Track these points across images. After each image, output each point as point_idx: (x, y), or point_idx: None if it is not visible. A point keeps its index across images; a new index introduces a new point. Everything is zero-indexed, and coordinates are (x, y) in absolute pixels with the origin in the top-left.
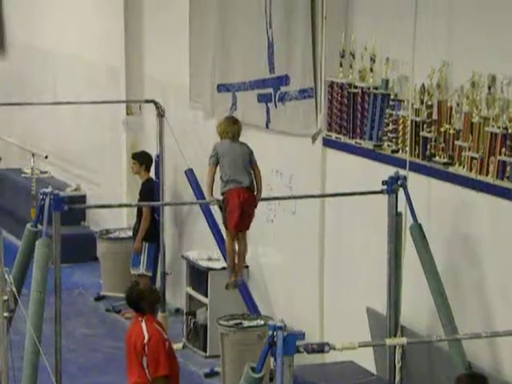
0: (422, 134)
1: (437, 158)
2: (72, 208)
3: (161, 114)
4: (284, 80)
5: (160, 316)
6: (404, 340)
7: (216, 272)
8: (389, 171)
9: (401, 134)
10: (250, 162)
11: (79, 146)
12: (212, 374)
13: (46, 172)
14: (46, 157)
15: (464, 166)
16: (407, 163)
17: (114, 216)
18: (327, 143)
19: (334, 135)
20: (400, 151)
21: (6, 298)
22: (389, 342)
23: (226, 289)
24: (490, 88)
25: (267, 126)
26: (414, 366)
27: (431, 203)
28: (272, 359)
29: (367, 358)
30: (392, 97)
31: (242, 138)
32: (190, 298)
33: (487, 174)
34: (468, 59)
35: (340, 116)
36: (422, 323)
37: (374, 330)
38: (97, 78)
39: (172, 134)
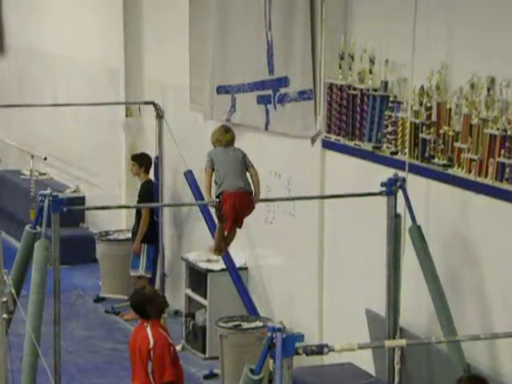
0: (421, 135)
1: (436, 160)
2: (71, 210)
3: (160, 115)
4: (283, 82)
5: None
6: (403, 342)
7: (215, 274)
8: (388, 173)
9: (400, 135)
10: (244, 166)
11: (78, 147)
12: (211, 375)
13: (45, 174)
14: (45, 158)
15: (463, 168)
16: (406, 165)
17: (113, 218)
18: (326, 145)
19: (333, 137)
20: (399, 153)
21: (5, 299)
22: (388, 343)
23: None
24: (489, 90)
25: (266, 128)
26: (413, 368)
27: (430, 205)
28: (271, 361)
29: (366, 360)
30: (391, 98)
31: (241, 140)
32: (189, 299)
33: (486, 176)
34: (467, 61)
35: (339, 118)
36: (421, 325)
37: (373, 331)
38: (96, 80)
39: (171, 135)
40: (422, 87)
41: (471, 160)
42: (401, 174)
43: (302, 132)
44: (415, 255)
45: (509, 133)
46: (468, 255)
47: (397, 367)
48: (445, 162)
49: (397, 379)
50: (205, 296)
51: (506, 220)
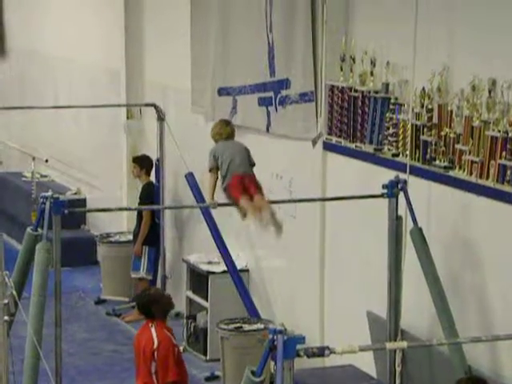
0: (422, 137)
1: (437, 162)
2: (72, 212)
3: (161, 117)
4: (284, 83)
5: None
6: (404, 344)
7: (216, 276)
8: (389, 175)
9: (401, 137)
10: (248, 157)
11: (79, 149)
12: (212, 377)
13: (46, 176)
14: (47, 160)
15: (464, 170)
16: (407, 167)
17: (114, 220)
18: (327, 147)
19: (334, 139)
20: (400, 155)
21: (6, 301)
22: (389, 345)
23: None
24: (490, 92)
25: (268, 130)
26: (414, 370)
27: (431, 207)
28: (272, 363)
29: (367, 362)
30: (392, 100)
31: (242, 141)
32: (190, 301)
33: (487, 178)
34: (468, 63)
35: (340, 120)
36: (422, 327)
37: (374, 333)
38: (97, 82)
39: (172, 137)
40: (423, 89)
41: (472, 162)
42: (402, 176)
43: (303, 134)
44: (416, 257)
45: (510, 135)
46: (469, 257)
47: (398, 369)
48: (446, 164)
49: (398, 381)
50: (206, 298)
51: (507, 222)
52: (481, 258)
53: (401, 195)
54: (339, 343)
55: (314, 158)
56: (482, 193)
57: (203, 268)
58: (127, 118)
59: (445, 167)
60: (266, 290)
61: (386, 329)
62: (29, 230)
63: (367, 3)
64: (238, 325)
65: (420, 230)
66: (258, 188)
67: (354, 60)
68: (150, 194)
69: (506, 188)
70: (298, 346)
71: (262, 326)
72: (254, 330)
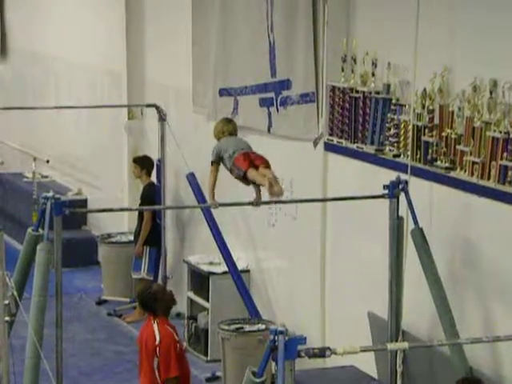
0: (423, 138)
1: (438, 163)
2: (73, 212)
3: (162, 118)
4: (286, 84)
5: None
6: (405, 344)
7: (217, 276)
8: (390, 176)
9: (402, 138)
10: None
11: (80, 150)
12: (213, 378)
13: (47, 176)
14: (48, 161)
15: (465, 171)
16: (409, 168)
17: (115, 220)
18: (329, 148)
19: (335, 139)
20: (401, 156)
21: (7, 302)
22: (390, 346)
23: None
24: (491, 92)
25: (269, 131)
26: (415, 371)
27: (433, 208)
28: (273, 364)
29: (368, 363)
30: (393, 101)
31: None
32: (191, 302)
33: (489, 179)
34: (469, 64)
35: (341, 120)
36: (423, 328)
37: (375, 334)
38: (98, 82)
39: (173, 138)
40: (425, 90)
41: (473, 163)
42: (403, 176)
43: (305, 135)
44: (417, 258)
45: (511, 135)
46: (470, 258)
47: (399, 370)
48: (447, 164)
49: (399, 382)
50: (207, 299)
51: (508, 223)
52: (482, 259)
53: (402, 196)
54: (340, 344)
55: (315, 158)
56: (483, 193)
57: (204, 269)
58: (128, 118)
59: (446, 168)
60: (267, 291)
61: (387, 329)
62: (30, 230)
63: (368, 4)
64: (239, 325)
65: (421, 230)
66: (264, 161)
67: (355, 61)
68: (151, 195)
69: (507, 189)
70: (299, 347)
71: (262, 327)
72: (255, 331)
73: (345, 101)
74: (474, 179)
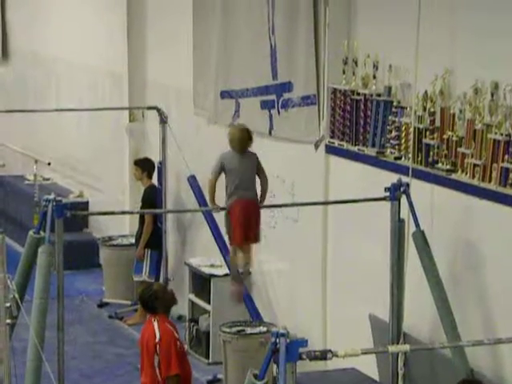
0: (424, 140)
1: (439, 165)
2: (75, 215)
3: (163, 120)
4: (287, 87)
5: None
6: (407, 347)
7: (218, 279)
8: (391, 178)
9: (403, 140)
10: (256, 172)
11: (82, 152)
12: (215, 380)
13: (48, 179)
14: (49, 163)
15: (467, 173)
16: (410, 170)
17: (116, 223)
18: (330, 150)
19: (336, 142)
20: (403, 158)
21: (8, 304)
22: (391, 348)
23: (231, 299)
24: (492, 95)
25: (270, 133)
26: (416, 373)
27: (434, 210)
28: (274, 366)
29: (370, 365)
30: (395, 104)
31: None
32: (192, 304)
33: (490, 181)
34: (471, 66)
35: (343, 123)
36: (424, 330)
37: (376, 336)
38: (99, 85)
39: (175, 140)
40: (426, 92)
41: (475, 165)
42: (404, 179)
43: (306, 137)
44: (419, 260)
45: None
46: (471, 260)
47: (400, 372)
48: (448, 167)
49: None
50: (208, 301)
51: (509, 225)
52: (483, 261)
53: (403, 198)
54: (341, 346)
55: (316, 161)
56: (485, 196)
57: (205, 271)
58: (130, 120)
59: (447, 170)
60: (269, 293)
61: (389, 332)
62: (31, 232)
63: (369, 6)
64: (241, 328)
65: (422, 232)
66: (257, 235)
67: (356, 63)
68: (152, 197)
69: (509, 191)
70: (301, 349)
71: (264, 329)
72: (257, 333)
73: (346, 103)
74: (475, 181)
